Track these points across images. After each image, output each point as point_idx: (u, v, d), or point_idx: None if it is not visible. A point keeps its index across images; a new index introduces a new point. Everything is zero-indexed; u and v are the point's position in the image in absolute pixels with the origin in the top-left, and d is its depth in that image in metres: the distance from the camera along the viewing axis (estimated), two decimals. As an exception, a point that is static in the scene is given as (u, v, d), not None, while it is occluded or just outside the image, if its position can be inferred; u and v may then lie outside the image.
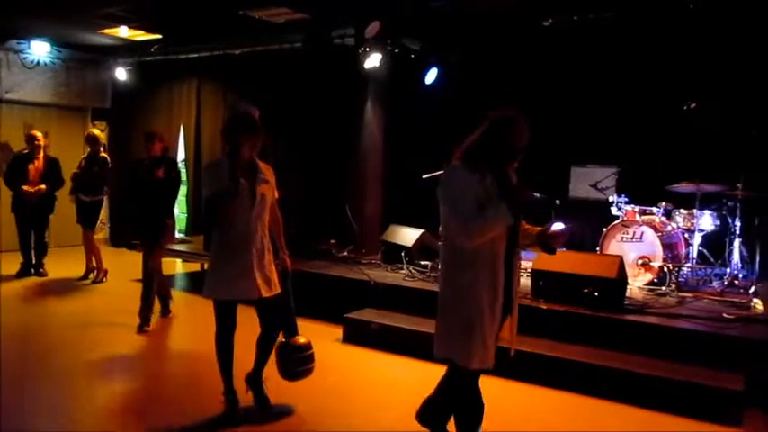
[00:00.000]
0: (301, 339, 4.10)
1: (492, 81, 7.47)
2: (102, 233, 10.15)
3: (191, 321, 6.28)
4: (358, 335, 5.44)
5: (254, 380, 3.95)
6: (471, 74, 7.72)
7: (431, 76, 7.72)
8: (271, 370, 4.02)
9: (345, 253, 7.41)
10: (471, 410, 3.08)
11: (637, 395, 4.25)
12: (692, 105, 6.05)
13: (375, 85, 7.77)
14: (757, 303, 5.33)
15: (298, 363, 4.04)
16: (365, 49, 7.24)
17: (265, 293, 3.74)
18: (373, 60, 7.27)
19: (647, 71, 6.59)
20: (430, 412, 3.18)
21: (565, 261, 5.26)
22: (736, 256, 6.17)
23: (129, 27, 8.39)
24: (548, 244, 3.00)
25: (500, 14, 6.70)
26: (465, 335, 2.85)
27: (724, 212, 6.26)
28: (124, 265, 8.29)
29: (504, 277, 2.90)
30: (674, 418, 4.05)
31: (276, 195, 3.87)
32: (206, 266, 8.04)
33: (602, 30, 6.48)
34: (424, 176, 7.24)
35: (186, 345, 5.61)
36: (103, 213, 9.35)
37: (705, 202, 6.24)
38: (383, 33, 7.07)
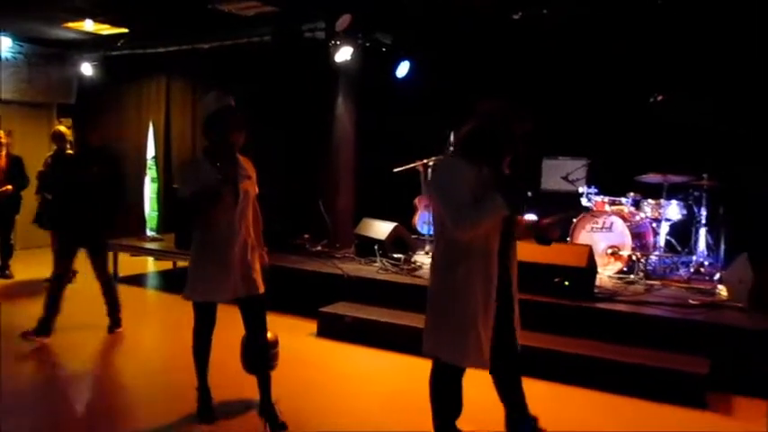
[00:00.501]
0: (270, 336, 3.89)
1: (463, 74, 7.51)
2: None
3: (164, 320, 6.23)
4: (332, 329, 5.45)
5: (266, 409, 3.65)
6: (442, 67, 7.75)
7: (402, 69, 7.73)
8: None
9: (319, 247, 7.40)
10: (453, 407, 3.02)
11: (605, 381, 4.34)
12: (659, 98, 6.16)
13: (346, 78, 7.75)
14: (722, 289, 5.47)
15: (265, 359, 3.81)
16: (336, 42, 7.22)
17: (250, 293, 3.61)
18: (344, 54, 7.25)
19: (615, 64, 6.68)
20: None
21: (535, 251, 5.29)
22: (701, 245, 6.32)
23: (95, 21, 8.24)
24: (544, 235, 2.98)
25: (471, 7, 6.74)
26: (458, 333, 2.80)
27: (690, 202, 6.39)
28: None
29: (499, 273, 2.85)
30: (641, 401, 4.14)
31: (256, 191, 3.74)
32: (179, 265, 8.07)
33: (571, 23, 6.56)
34: (395, 170, 7.29)
35: (160, 344, 5.56)
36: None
37: (672, 192, 6.36)
38: (354, 27, 7.05)
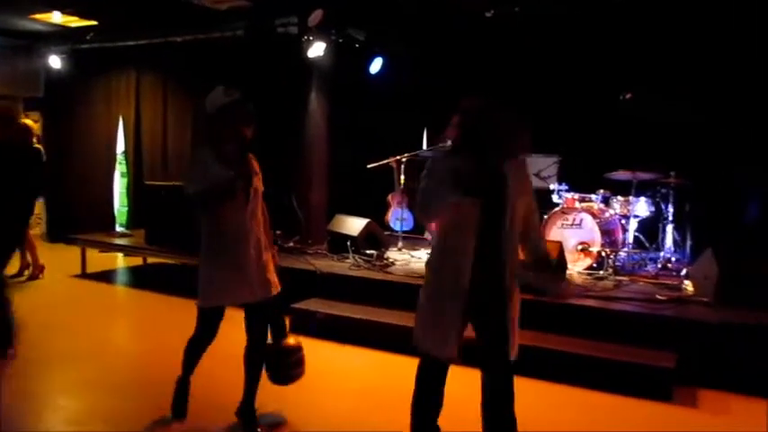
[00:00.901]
0: (292, 341, 3.83)
1: (436, 71, 7.53)
2: (38, 228, 9.79)
3: (135, 318, 6.16)
4: (304, 325, 5.43)
5: (246, 411, 3.55)
6: (415, 64, 7.77)
7: (375, 65, 7.73)
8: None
9: (291, 243, 7.37)
10: (429, 402, 2.96)
11: (574, 375, 4.40)
12: (628, 96, 6.25)
13: (319, 74, 7.73)
14: (688, 285, 5.58)
15: (289, 366, 3.78)
16: (309, 37, 7.19)
17: (267, 295, 3.48)
18: (317, 49, 7.22)
19: (585, 62, 6.77)
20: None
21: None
22: (669, 241, 6.43)
23: (63, 12, 8.09)
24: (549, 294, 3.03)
25: (444, 5, 6.76)
26: (421, 317, 2.88)
27: (658, 199, 6.50)
28: (62, 261, 8.02)
29: (490, 268, 2.79)
30: (608, 395, 4.21)
31: (262, 188, 3.59)
32: (149, 261, 7.98)
33: (543, 21, 6.62)
34: (369, 166, 7.28)
35: (131, 344, 5.50)
36: (38, 207, 9.04)
37: (641, 189, 6.46)
38: (327, 22, 7.03)
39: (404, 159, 7.13)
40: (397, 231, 7.39)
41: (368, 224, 6.81)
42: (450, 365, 2.93)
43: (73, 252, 7.91)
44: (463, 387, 3.10)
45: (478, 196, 2.71)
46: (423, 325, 2.91)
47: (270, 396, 4.04)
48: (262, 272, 3.46)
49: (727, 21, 6.08)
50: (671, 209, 6.39)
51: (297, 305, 5.60)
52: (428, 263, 2.97)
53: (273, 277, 3.54)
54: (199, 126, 3.52)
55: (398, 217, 7.38)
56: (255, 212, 3.48)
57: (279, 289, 3.55)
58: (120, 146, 9.80)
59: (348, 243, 6.66)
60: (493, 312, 2.82)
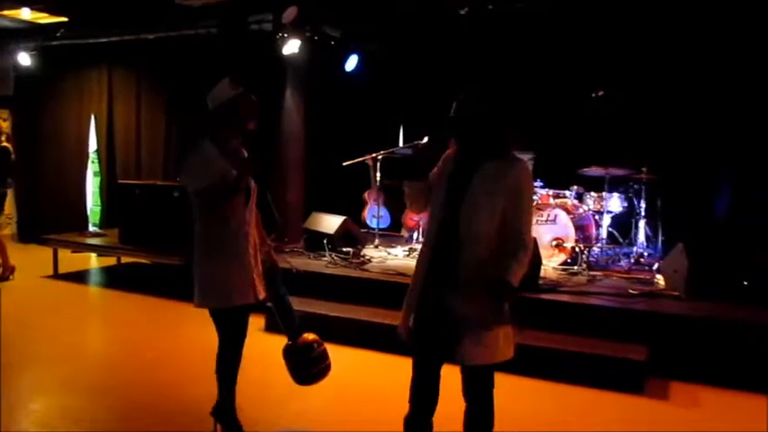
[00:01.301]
0: (309, 337, 3.72)
1: (411, 69, 7.55)
2: (8, 228, 9.62)
3: (108, 319, 6.08)
4: (281, 323, 5.41)
5: (223, 410, 3.45)
6: (391, 62, 7.78)
7: (351, 62, 7.72)
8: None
9: (268, 241, 7.32)
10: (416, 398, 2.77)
11: (548, 369, 4.45)
12: (600, 93, 6.33)
13: (295, 71, 7.69)
14: (660, 279, 5.67)
15: (311, 363, 3.69)
16: (283, 34, 7.15)
17: (264, 295, 3.40)
18: (292, 46, 7.19)
19: (558, 60, 6.83)
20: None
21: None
22: (641, 236, 6.53)
23: (32, 8, 7.94)
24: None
25: (418, 2, 6.77)
26: None
27: (630, 195, 6.60)
28: (33, 262, 7.89)
29: (443, 246, 2.65)
30: (582, 388, 4.27)
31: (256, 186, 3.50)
32: (123, 260, 7.89)
33: (517, 19, 6.67)
34: (345, 163, 7.28)
35: (104, 345, 5.43)
36: (9, 207, 8.88)
37: (613, 185, 6.55)
38: (301, 19, 7.00)
39: (380, 157, 7.14)
40: (373, 228, 7.40)
41: (344, 222, 6.80)
42: None
43: (45, 252, 7.79)
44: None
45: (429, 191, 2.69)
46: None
47: (245, 394, 4.02)
48: (258, 271, 3.38)
49: (695, 20, 6.19)
50: (643, 204, 6.49)
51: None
52: None
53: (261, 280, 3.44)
54: (199, 120, 3.41)
55: (375, 214, 7.39)
56: (253, 210, 3.40)
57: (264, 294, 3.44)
58: (93, 144, 9.66)
59: (324, 241, 6.65)
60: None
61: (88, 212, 9.79)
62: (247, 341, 4.92)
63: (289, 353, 3.68)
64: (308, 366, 3.65)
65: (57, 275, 7.55)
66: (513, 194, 2.59)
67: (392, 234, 7.82)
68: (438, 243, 2.67)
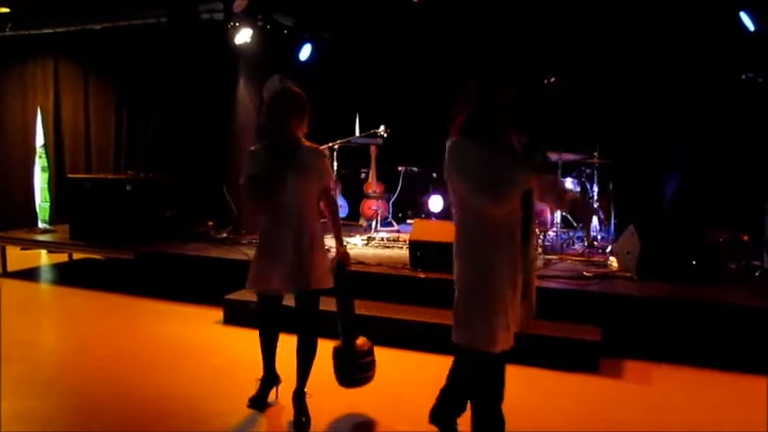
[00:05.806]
0: (365, 346, 3.67)
1: (365, 57, 7.52)
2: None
3: (61, 316, 5.92)
4: (239, 316, 5.35)
5: (297, 395, 3.60)
6: (346, 50, 7.74)
7: (305, 52, 7.66)
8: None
9: (224, 234, 7.24)
10: (495, 393, 2.92)
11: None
12: (552, 80, 6.42)
13: (247, 61, 7.57)
14: (613, 261, 5.81)
15: (359, 369, 3.63)
16: (235, 23, 7.04)
17: (300, 287, 3.47)
18: (244, 36, 7.08)
19: (511, 47, 6.89)
20: (445, 409, 3.11)
21: (440, 231, 5.43)
22: (594, 220, 6.67)
23: (-29, -1, 7.66)
24: (578, 214, 3.00)
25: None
26: (487, 317, 2.70)
27: (583, 179, 6.73)
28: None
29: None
30: (538, 369, 4.32)
31: (324, 182, 3.68)
32: (75, 257, 7.67)
33: (470, 6, 6.71)
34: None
35: (56, 343, 5.29)
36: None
37: (567, 169, 6.66)
38: (252, 7, 6.90)
39: (336, 146, 7.11)
40: (331, 219, 7.36)
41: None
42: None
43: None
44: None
45: (550, 172, 2.73)
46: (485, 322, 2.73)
47: (203, 387, 3.98)
48: (298, 263, 3.44)
49: (645, 7, 6.32)
50: (596, 188, 6.62)
51: (231, 296, 5.51)
52: (473, 257, 2.75)
53: (315, 272, 3.48)
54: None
55: (332, 204, 7.34)
56: (295, 203, 3.48)
57: (321, 285, 3.50)
58: (40, 138, 9.37)
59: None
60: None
61: (37, 208, 9.50)
62: (206, 334, 4.89)
63: (341, 354, 3.63)
64: (352, 371, 3.65)
65: (5, 274, 7.32)
66: None
67: (350, 223, 7.80)
68: (525, 238, 2.76)
